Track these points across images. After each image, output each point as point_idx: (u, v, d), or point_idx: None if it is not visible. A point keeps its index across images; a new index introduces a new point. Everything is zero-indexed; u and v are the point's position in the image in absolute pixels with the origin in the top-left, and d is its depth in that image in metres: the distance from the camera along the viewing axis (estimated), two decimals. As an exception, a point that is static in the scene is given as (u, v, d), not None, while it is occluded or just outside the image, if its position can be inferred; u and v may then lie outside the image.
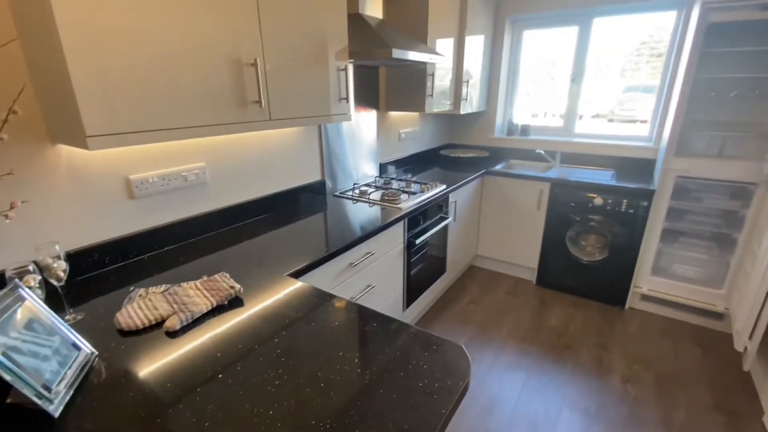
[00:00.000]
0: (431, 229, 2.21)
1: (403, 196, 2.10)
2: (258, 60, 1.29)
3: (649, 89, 2.80)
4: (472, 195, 2.79)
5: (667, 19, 2.60)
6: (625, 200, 2.39)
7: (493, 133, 3.33)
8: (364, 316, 1.02)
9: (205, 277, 1.19)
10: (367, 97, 2.40)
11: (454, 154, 3.27)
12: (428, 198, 2.12)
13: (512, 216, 2.86)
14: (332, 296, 1.11)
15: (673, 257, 2.56)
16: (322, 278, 1.45)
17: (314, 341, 0.91)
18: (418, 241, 2.05)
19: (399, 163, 2.87)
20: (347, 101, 1.73)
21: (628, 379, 1.99)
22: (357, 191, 2.21)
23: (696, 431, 1.69)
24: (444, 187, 2.34)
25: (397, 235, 1.92)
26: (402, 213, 1.88)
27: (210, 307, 1.06)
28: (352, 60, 1.76)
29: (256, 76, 1.30)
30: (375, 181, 2.46)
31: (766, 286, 1.78)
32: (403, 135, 2.85)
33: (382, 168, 2.68)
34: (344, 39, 1.65)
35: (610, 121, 3.03)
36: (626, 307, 2.61)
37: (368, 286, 1.72)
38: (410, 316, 2.26)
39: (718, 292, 2.34)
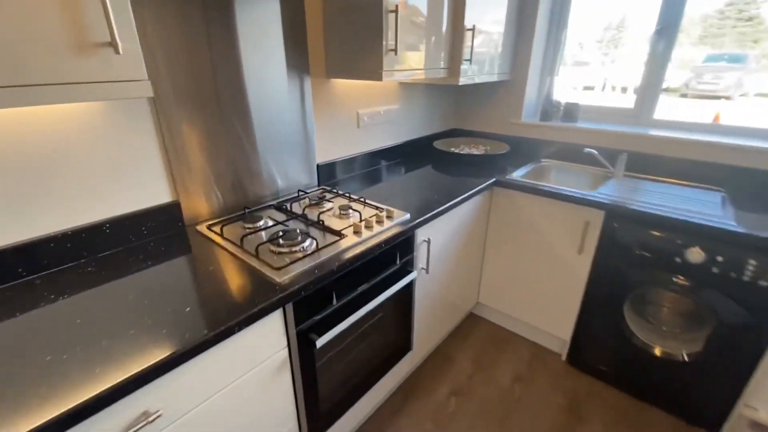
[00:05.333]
0: (373, 299, 1.21)
1: (307, 244, 1.10)
2: None
3: (737, 59, 2.02)
4: (472, 214, 1.72)
5: None
6: (752, 261, 1.24)
7: (520, 116, 2.18)
8: None
9: None
10: (291, 47, 1.37)
11: (454, 147, 2.17)
12: (358, 248, 1.11)
13: (536, 256, 1.77)
14: None
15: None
16: None
17: None
18: (328, 336, 1.06)
19: (357, 164, 1.83)
20: (117, 51, 0.72)
21: None
22: (242, 226, 1.24)
23: None
24: (405, 218, 1.31)
25: (268, 336, 0.94)
26: (273, 298, 0.89)
27: None
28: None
29: None
30: (290, 202, 1.46)
31: None
32: (365, 118, 1.80)
33: (323, 172, 1.67)
34: None
35: (683, 96, 2.23)
36: (723, 432, 1.51)
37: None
38: (330, 441, 1.31)
39: None
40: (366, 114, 1.79)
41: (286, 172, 1.51)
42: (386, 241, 1.18)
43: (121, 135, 1.05)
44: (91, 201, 1.04)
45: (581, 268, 1.64)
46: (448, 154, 2.03)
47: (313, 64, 1.48)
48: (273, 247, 1.07)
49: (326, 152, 1.67)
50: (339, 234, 1.17)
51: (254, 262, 1.02)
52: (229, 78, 1.23)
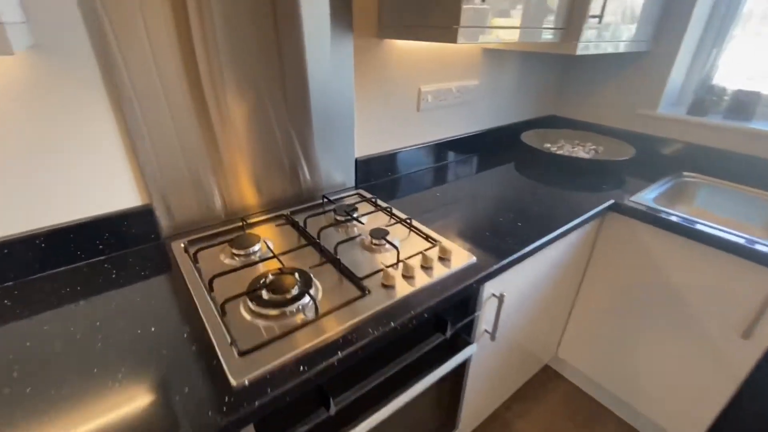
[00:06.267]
0: (399, 393, 0.79)
1: (305, 303, 0.70)
2: None
3: None
4: (570, 251, 1.19)
5: None
6: None
7: (656, 106, 1.52)
8: None
9: None
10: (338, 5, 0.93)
11: (549, 143, 1.60)
12: (384, 319, 0.68)
13: (661, 322, 1.19)
14: None
15: None
16: None
17: None
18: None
19: (412, 160, 1.37)
20: None
21: None
22: (228, 251, 0.87)
23: None
24: (469, 264, 0.84)
25: (212, 471, 0.58)
26: (214, 429, 0.51)
27: None
28: None
29: None
30: (308, 213, 1.06)
31: None
32: (429, 97, 1.31)
33: (363, 170, 1.24)
34: None
35: None
36: None
37: None
38: None
39: None
40: (431, 92, 1.30)
41: (314, 166, 1.10)
42: (433, 307, 0.74)
43: (63, 114, 0.72)
44: (18, 203, 0.73)
45: (742, 358, 1.04)
46: (541, 153, 1.47)
47: (358, 18, 1.03)
48: (252, 304, 0.69)
49: (370, 142, 1.23)
50: (360, 286, 0.75)
51: (214, 331, 0.64)
52: (264, 31, 0.83)
